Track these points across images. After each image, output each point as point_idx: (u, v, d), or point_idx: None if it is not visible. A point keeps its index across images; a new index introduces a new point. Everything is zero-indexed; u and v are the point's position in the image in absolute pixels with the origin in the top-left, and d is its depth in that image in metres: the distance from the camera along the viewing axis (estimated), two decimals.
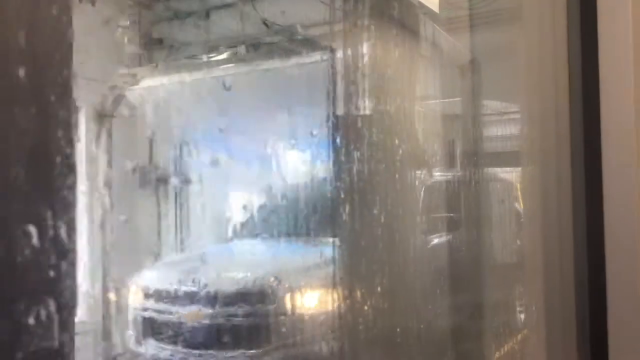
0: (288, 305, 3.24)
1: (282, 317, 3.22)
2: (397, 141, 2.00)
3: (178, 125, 3.59)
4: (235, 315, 3.17)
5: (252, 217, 3.65)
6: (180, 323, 3.20)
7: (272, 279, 3.23)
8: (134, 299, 3.33)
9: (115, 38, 3.18)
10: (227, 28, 3.97)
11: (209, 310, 3.17)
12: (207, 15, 3.95)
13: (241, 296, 3.20)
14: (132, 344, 3.29)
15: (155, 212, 3.54)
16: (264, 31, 3.83)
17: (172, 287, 3.25)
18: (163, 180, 3.58)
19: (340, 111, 1.91)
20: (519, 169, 1.70)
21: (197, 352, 3.17)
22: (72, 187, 0.44)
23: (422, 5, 2.00)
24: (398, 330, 1.90)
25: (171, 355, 3.20)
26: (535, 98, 1.27)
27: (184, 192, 3.67)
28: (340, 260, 1.90)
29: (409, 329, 1.98)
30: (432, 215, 2.54)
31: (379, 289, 1.82)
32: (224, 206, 3.63)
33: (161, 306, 3.24)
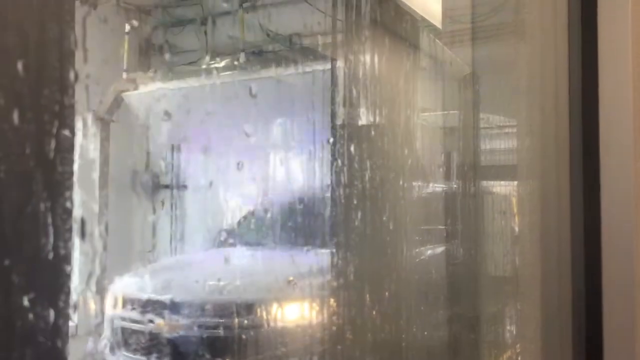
0: (269, 317, 3.07)
1: (263, 330, 3.05)
2: (394, 152, 2.00)
3: (176, 131, 3.58)
4: (215, 327, 3.03)
5: (241, 224, 3.62)
6: (156, 333, 3.05)
7: (255, 289, 3.08)
8: (110, 306, 3.15)
9: (115, 43, 3.18)
10: (228, 36, 3.98)
11: (186, 321, 3.01)
12: (208, 22, 3.96)
13: (221, 307, 3.06)
14: (106, 353, 3.13)
15: (150, 216, 3.53)
16: (264, 40, 3.84)
17: (148, 295, 3.11)
18: (158, 186, 3.57)
19: (339, 120, 1.91)
20: (518, 181, 1.70)
21: None
22: (70, 190, 0.44)
23: (425, 20, 2.01)
24: (386, 343, 1.88)
25: None
26: (536, 111, 1.27)
27: (178, 198, 3.67)
28: (331, 270, 1.87)
29: (398, 342, 1.96)
30: (426, 227, 2.53)
31: (367, 300, 1.81)
32: (215, 213, 3.58)
33: (136, 315, 3.07)
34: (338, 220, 1.86)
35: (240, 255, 3.49)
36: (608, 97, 1.15)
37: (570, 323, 1.20)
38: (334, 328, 1.82)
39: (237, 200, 3.34)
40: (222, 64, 3.73)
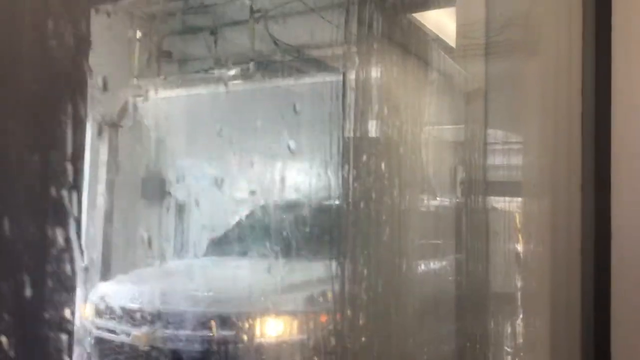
0: (252, 332, 2.91)
1: (243, 345, 2.89)
2: (400, 165, 1.99)
3: (184, 138, 3.59)
4: (193, 340, 2.85)
5: (234, 233, 3.57)
6: (132, 345, 2.87)
7: (237, 302, 2.90)
8: (86, 315, 2.95)
9: (126, 50, 3.20)
10: (238, 45, 4.00)
11: (164, 333, 2.85)
12: (218, 31, 3.98)
13: (200, 318, 2.87)
14: None
15: (155, 222, 3.53)
16: (274, 50, 3.85)
17: (125, 303, 2.93)
18: (165, 192, 3.57)
19: (347, 133, 1.91)
20: (528, 198, 1.69)
21: None
22: (80, 194, 0.44)
23: (438, 39, 2.02)
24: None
25: None
26: (548, 128, 1.26)
27: (183, 205, 3.67)
28: (334, 282, 1.85)
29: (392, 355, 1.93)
30: (431, 241, 2.51)
31: (356, 310, 1.79)
32: (211, 221, 3.53)
33: (112, 325, 2.89)
34: (344, 232, 1.85)
35: (225, 266, 3.37)
36: (621, 115, 1.14)
37: (579, 339, 1.19)
38: (331, 342, 1.80)
39: (245, 209, 3.32)
40: (232, 72, 3.74)
